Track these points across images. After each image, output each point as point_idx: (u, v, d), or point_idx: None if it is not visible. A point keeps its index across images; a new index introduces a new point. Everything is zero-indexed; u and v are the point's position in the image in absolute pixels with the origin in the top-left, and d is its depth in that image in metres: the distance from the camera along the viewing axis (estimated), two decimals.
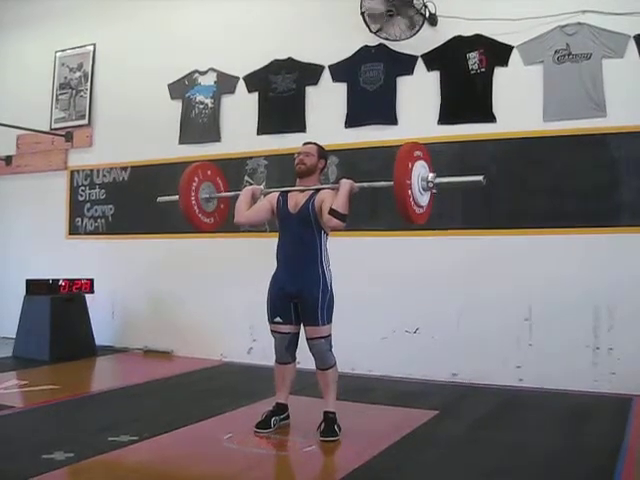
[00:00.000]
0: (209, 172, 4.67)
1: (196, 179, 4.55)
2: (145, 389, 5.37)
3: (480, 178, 3.89)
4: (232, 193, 4.64)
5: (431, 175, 3.91)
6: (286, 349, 4.09)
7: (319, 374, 4.08)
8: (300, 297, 3.98)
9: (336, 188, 4.02)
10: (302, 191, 4.11)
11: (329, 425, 3.94)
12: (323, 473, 3.43)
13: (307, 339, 4.03)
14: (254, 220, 4.30)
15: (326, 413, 4.00)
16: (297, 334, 4.10)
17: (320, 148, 4.21)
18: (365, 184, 4.16)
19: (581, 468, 3.46)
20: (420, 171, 3.86)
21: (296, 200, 4.09)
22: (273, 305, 4.10)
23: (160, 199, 5.03)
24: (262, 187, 4.49)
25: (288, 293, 4.01)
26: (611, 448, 3.72)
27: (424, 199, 3.94)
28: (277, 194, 4.20)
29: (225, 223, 4.79)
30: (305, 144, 4.24)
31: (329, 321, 4.01)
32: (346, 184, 3.99)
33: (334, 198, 3.94)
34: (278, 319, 4.06)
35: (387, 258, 5.93)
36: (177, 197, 4.53)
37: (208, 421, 4.30)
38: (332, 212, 3.88)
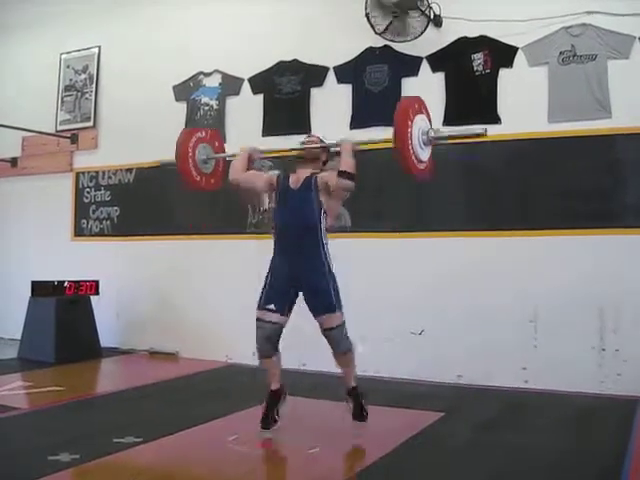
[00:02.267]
0: (216, 143, 4.75)
1: (199, 134, 4.64)
2: (150, 391, 5.37)
3: (482, 130, 3.87)
4: (229, 153, 4.71)
5: (432, 129, 3.91)
6: (268, 340, 3.99)
7: (337, 356, 4.04)
8: (305, 281, 3.95)
9: (335, 148, 4.11)
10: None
11: (358, 406, 4.09)
12: (328, 475, 3.43)
13: (323, 330, 3.96)
14: (250, 181, 4.26)
15: (351, 391, 4.10)
16: (282, 327, 4.01)
17: (323, 142, 4.24)
18: (365, 140, 4.21)
19: (587, 470, 3.45)
20: (420, 125, 3.84)
21: (297, 177, 4.10)
22: (271, 290, 4.02)
23: (162, 161, 5.03)
24: (260, 150, 4.46)
25: (290, 276, 3.96)
26: (617, 450, 3.71)
27: (425, 154, 3.91)
28: (277, 176, 4.22)
29: (221, 182, 4.76)
30: (309, 136, 4.33)
31: (341, 307, 3.96)
32: (347, 144, 4.04)
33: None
34: (272, 306, 3.97)
35: (392, 259, 5.93)
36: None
37: (213, 423, 4.30)
38: (342, 173, 3.90)
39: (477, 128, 3.92)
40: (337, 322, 3.94)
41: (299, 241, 3.97)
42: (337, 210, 4.18)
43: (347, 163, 3.95)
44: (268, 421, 4.01)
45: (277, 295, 3.99)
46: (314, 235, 3.97)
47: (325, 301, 3.92)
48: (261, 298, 4.05)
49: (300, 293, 4.03)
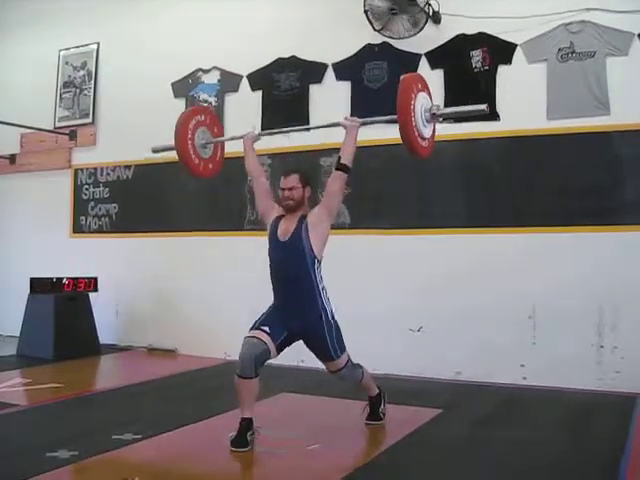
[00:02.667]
0: (215, 130, 4.67)
1: (198, 117, 4.54)
2: (149, 387, 5.38)
3: (483, 107, 3.85)
4: (228, 137, 4.71)
5: (434, 105, 3.88)
6: (254, 359, 3.63)
7: (353, 386, 4.19)
8: (302, 332, 3.82)
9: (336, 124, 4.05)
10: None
11: (374, 410, 4.17)
12: (326, 471, 3.43)
13: (329, 372, 3.97)
14: (258, 193, 4.15)
15: (370, 398, 4.18)
16: (269, 354, 3.71)
17: (302, 176, 3.93)
18: (368, 120, 4.10)
19: (585, 467, 3.45)
20: (422, 102, 3.81)
21: (286, 227, 3.87)
22: (269, 317, 3.82)
23: (154, 147, 4.86)
24: (255, 132, 4.43)
25: (288, 322, 3.78)
26: (615, 447, 3.71)
27: (427, 131, 3.88)
28: (277, 213, 3.99)
29: (219, 169, 4.69)
30: (286, 176, 3.91)
31: (343, 350, 3.88)
32: (352, 129, 3.93)
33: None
34: (266, 328, 3.73)
35: (390, 256, 5.93)
36: (172, 144, 4.45)
37: (212, 419, 4.30)
38: (342, 167, 3.83)
39: (479, 105, 3.87)
40: (339, 366, 3.91)
41: (293, 292, 3.82)
42: (338, 207, 4.03)
43: (349, 153, 3.85)
44: (242, 444, 3.65)
45: (274, 324, 3.77)
46: (308, 285, 3.80)
47: (324, 350, 3.85)
48: (257, 321, 3.83)
49: (295, 338, 3.89)
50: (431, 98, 3.97)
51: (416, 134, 3.74)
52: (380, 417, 4.17)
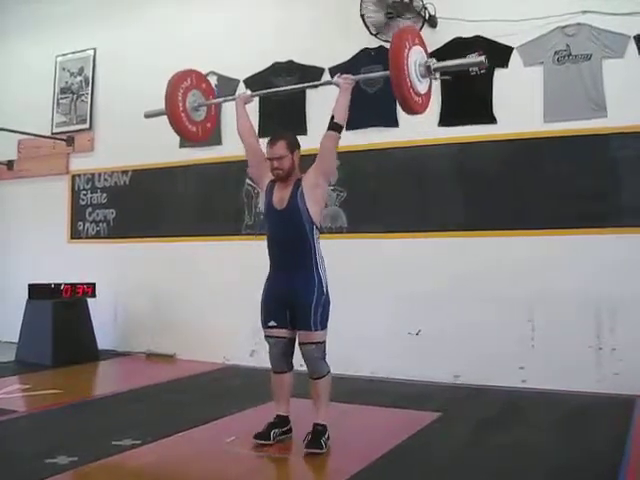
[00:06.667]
0: (204, 86, 4.59)
1: (185, 84, 4.44)
2: (148, 393, 5.37)
3: (482, 59, 3.80)
4: (221, 99, 4.70)
5: (430, 60, 3.83)
6: (282, 355, 3.84)
7: (311, 383, 3.82)
8: (294, 300, 3.76)
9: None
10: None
11: (316, 437, 3.70)
12: (325, 476, 3.43)
13: (299, 344, 3.80)
14: (250, 159, 4.10)
15: (315, 425, 3.76)
16: (293, 340, 3.85)
17: (288, 141, 3.86)
18: (361, 76, 4.16)
19: (584, 469, 3.46)
20: (417, 57, 3.76)
21: (281, 195, 3.82)
22: (267, 309, 3.88)
23: (147, 112, 4.81)
24: (247, 92, 4.43)
25: (283, 297, 3.80)
26: (615, 449, 3.72)
27: (422, 86, 3.83)
28: (269, 179, 3.93)
29: (216, 122, 4.68)
30: (272, 145, 3.83)
31: (323, 327, 3.75)
32: (346, 87, 3.88)
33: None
34: (272, 323, 3.83)
35: (388, 260, 5.93)
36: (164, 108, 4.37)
37: (211, 424, 4.30)
38: (334, 127, 3.79)
39: (477, 57, 3.82)
40: (313, 339, 3.73)
41: (291, 263, 3.80)
42: (333, 169, 3.98)
43: (343, 112, 3.79)
44: (264, 436, 3.78)
45: (273, 313, 3.85)
46: (306, 256, 3.77)
47: (305, 316, 3.73)
48: (262, 317, 3.92)
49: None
50: (427, 53, 3.92)
51: (410, 88, 3.70)
52: (322, 445, 3.68)
